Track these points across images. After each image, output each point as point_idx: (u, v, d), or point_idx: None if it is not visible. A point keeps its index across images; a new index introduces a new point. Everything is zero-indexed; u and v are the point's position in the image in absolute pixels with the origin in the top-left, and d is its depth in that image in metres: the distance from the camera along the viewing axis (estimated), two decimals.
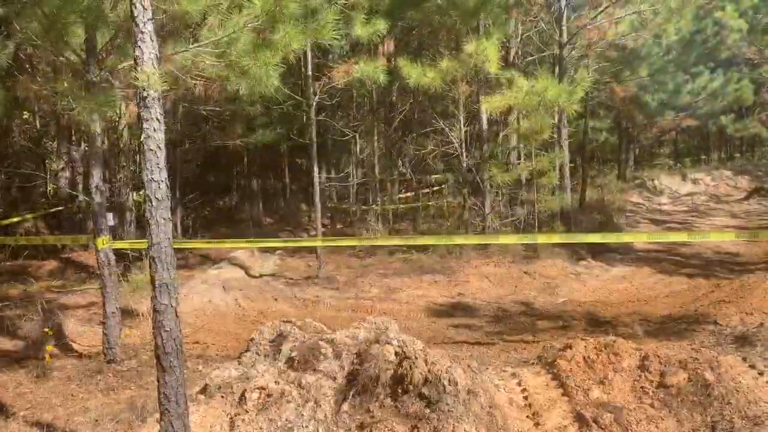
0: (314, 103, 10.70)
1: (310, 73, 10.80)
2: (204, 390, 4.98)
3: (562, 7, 11.79)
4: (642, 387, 4.80)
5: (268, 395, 4.61)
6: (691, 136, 31.12)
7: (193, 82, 6.79)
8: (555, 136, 12.38)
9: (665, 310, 8.24)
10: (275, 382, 4.73)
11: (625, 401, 4.69)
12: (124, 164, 12.45)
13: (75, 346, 7.36)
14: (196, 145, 15.40)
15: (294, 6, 5.98)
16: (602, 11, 11.82)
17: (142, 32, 3.58)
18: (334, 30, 7.09)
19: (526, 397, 4.79)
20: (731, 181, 22.64)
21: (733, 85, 20.79)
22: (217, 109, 12.59)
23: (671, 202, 19.78)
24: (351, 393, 4.54)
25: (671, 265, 10.87)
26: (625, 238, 9.36)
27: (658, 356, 4.99)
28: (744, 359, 5.50)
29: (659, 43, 15.83)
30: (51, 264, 11.82)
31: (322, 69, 12.01)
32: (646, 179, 21.74)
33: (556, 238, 8.15)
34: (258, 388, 4.66)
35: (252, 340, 5.53)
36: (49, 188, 15.50)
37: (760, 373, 5.23)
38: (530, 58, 14.58)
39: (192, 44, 6.37)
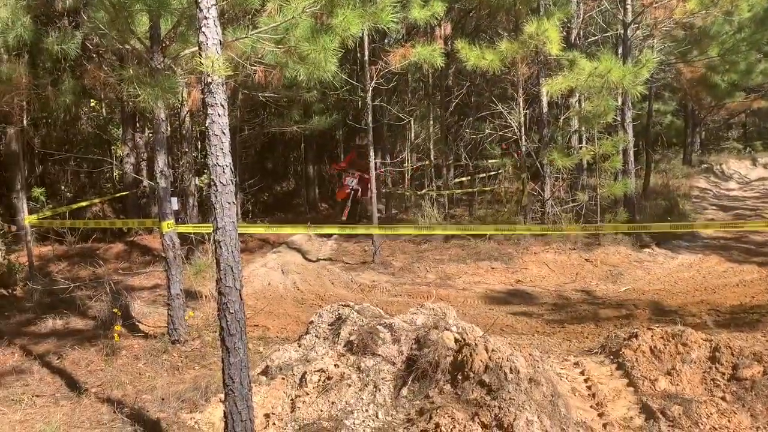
0: (370, 88, 10.67)
1: (366, 57, 10.77)
2: (265, 371, 5.07)
3: None
4: (713, 379, 4.62)
5: (328, 378, 4.65)
6: (762, 119, 29.63)
7: (253, 68, 6.87)
8: (618, 119, 11.98)
9: (736, 300, 7.89)
10: (335, 365, 4.77)
11: (695, 393, 4.52)
12: (186, 150, 12.76)
13: (141, 326, 7.61)
14: (255, 132, 15.65)
15: None
16: None
17: (206, 17, 3.61)
18: (392, 13, 7.03)
19: (589, 387, 4.67)
20: None
21: None
22: (275, 95, 12.72)
23: (740, 187, 18.94)
24: (410, 378, 4.53)
25: (741, 254, 10.39)
26: (696, 227, 8.95)
27: (730, 347, 4.78)
28: None
29: (731, 21, 15.03)
30: (117, 247, 12.27)
31: (378, 53, 11.96)
32: (713, 164, 20.89)
33: (623, 228, 7.83)
34: (318, 371, 4.71)
35: (311, 323, 5.57)
36: (115, 174, 16.06)
37: None
38: (592, 38, 14.13)
39: (251, 30, 6.43)
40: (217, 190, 3.65)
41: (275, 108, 15.08)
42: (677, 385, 4.63)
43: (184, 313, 7.00)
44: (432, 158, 16.52)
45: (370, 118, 10.88)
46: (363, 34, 9.99)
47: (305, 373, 4.71)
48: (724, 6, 12.28)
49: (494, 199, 15.02)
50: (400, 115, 14.60)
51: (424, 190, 15.75)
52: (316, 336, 5.44)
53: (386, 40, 15.57)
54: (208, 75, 3.57)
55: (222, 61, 3.62)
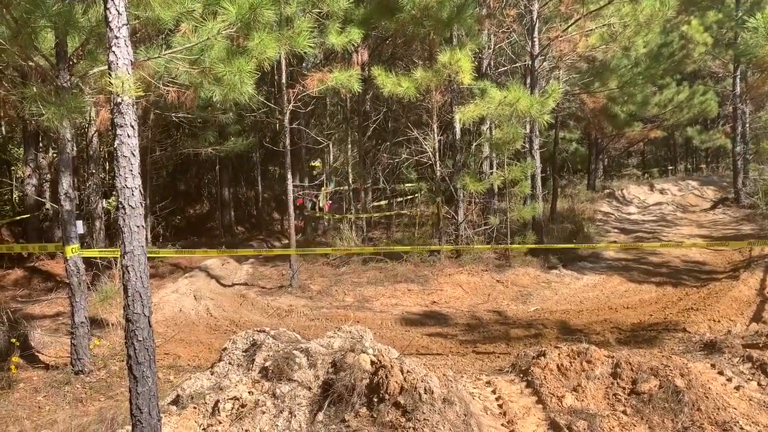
0: (288, 111, 10.66)
1: (284, 80, 10.77)
2: (176, 401, 4.89)
3: (534, 19, 11.94)
4: (615, 394, 4.86)
5: (242, 405, 4.54)
6: (659, 147, 31.83)
7: (166, 88, 6.72)
8: (527, 146, 12.52)
9: (635, 318, 8.35)
10: (249, 392, 4.67)
11: (599, 408, 4.74)
12: (94, 171, 12.23)
13: (41, 356, 7.17)
14: (167, 153, 15.23)
15: (269, 14, 5.96)
16: (573, 24, 12.00)
17: (117, 37, 3.52)
18: (308, 38, 7.09)
19: (500, 405, 4.81)
20: (697, 191, 23.13)
21: (699, 98, 21.38)
22: (189, 116, 12.46)
23: (639, 211, 20.11)
24: (326, 403, 4.50)
25: (641, 274, 11.03)
26: (598, 246, 9.51)
27: (630, 363, 5.06)
28: (713, 366, 5.60)
29: (628, 55, 16.11)
30: (16, 273, 11.56)
31: (297, 77, 11.99)
32: (615, 189, 22.10)
33: (529, 246, 8.25)
34: (231, 399, 4.60)
35: (225, 349, 5.44)
36: (14, 195, 15.16)
37: (729, 380, 5.33)
38: (503, 68, 14.74)
39: (165, 50, 6.31)
40: (125, 213, 3.53)
41: (189, 129, 14.75)
42: (582, 400, 4.84)
43: (89, 342, 6.66)
44: (351, 182, 16.64)
45: (288, 141, 10.84)
46: (280, 58, 10.00)
47: (218, 401, 4.59)
48: (622, 42, 13.17)
49: (411, 222, 15.28)
50: (318, 138, 14.63)
51: (342, 214, 15.80)
52: (229, 363, 5.31)
53: (304, 64, 15.64)
54: (118, 95, 3.48)
55: (133, 81, 3.54)
